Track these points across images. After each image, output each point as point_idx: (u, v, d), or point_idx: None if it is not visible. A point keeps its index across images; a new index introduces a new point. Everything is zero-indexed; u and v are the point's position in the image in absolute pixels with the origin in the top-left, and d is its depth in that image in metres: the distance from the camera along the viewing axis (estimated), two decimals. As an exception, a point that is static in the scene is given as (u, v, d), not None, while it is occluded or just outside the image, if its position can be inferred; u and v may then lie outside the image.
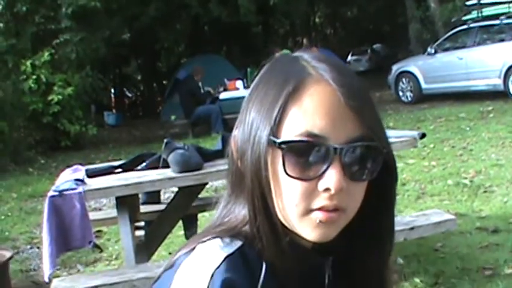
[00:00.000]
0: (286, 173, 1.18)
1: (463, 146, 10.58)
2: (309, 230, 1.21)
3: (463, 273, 4.99)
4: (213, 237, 1.25)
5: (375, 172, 1.22)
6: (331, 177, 1.16)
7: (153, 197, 5.75)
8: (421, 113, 15.86)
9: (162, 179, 4.24)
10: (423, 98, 18.14)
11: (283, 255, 1.23)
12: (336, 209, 1.20)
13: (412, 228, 4.45)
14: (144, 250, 5.03)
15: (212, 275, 1.16)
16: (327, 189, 1.17)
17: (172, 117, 18.21)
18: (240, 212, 1.29)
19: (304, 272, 1.29)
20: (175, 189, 5.30)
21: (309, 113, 1.17)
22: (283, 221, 1.24)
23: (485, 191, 7.49)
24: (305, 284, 1.29)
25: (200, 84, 16.82)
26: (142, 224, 5.66)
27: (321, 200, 1.19)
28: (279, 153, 1.18)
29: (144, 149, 7.22)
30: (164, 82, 30.49)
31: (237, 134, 1.28)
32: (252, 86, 1.30)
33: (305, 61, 1.25)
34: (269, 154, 1.20)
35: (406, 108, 17.60)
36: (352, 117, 1.18)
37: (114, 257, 6.65)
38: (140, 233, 5.55)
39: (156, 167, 4.51)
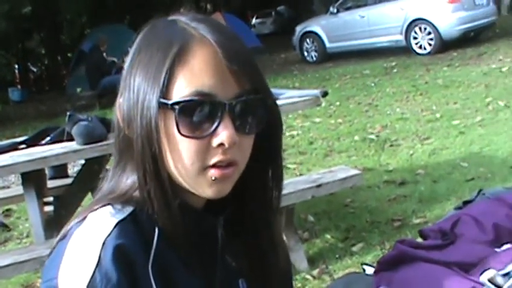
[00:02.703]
0: (181, 133, 1.20)
1: (369, 102, 10.75)
2: (205, 187, 1.25)
3: (372, 226, 5.09)
4: (104, 205, 1.25)
5: (262, 124, 1.27)
6: (224, 133, 1.20)
7: (60, 171, 5.68)
8: (326, 72, 16.03)
9: (67, 152, 4.17)
10: (328, 57, 18.33)
11: (174, 219, 1.24)
12: (230, 164, 1.23)
13: (319, 186, 4.48)
14: (54, 225, 4.95)
15: (104, 243, 1.17)
16: (220, 145, 1.20)
17: (78, 90, 17.92)
18: (129, 178, 1.29)
19: (197, 234, 1.31)
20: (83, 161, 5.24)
21: (197, 73, 1.20)
22: (181, 182, 1.26)
23: (391, 145, 7.63)
24: (199, 246, 1.31)
25: (105, 54, 16.58)
26: (51, 199, 5.59)
27: (216, 156, 1.22)
28: (172, 114, 1.20)
29: (52, 124, 7.09)
30: (69, 55, 29.85)
31: (122, 101, 1.28)
32: (132, 52, 1.30)
33: (184, 23, 1.26)
34: (161, 117, 1.21)
35: (312, 68, 17.75)
36: (236, 74, 1.20)
37: (25, 235, 6.51)
38: (50, 208, 5.48)
39: (61, 141, 4.44)
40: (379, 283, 1.92)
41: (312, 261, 4.60)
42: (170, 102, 1.19)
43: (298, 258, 4.46)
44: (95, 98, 16.33)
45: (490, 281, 1.76)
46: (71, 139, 4.34)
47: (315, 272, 4.43)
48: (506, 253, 1.96)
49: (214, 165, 1.22)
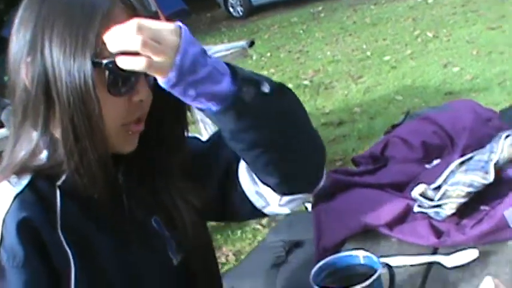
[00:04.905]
0: (110, 92, 1.23)
1: (299, 49, 10.76)
2: (125, 142, 1.30)
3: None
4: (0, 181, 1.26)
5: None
6: (143, 89, 1.26)
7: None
8: (253, 25, 15.96)
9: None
10: (254, 10, 18.15)
11: (97, 172, 1.25)
12: (141, 119, 1.30)
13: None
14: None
15: (4, 220, 1.19)
16: (140, 101, 1.27)
17: (6, 78, 17.65)
18: (24, 148, 1.29)
19: (101, 185, 1.30)
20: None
21: None
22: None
23: (326, 88, 7.66)
24: (103, 197, 1.30)
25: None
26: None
27: (136, 112, 1.28)
28: (101, 73, 1.21)
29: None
30: (-9, 43, 29.39)
31: (31, 62, 1.25)
32: (37, 13, 1.26)
33: None
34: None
35: (239, 23, 17.64)
36: None
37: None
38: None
39: (-8, 129, 4.38)
40: (317, 215, 1.93)
41: (261, 211, 4.61)
42: (105, 61, 1.20)
43: (246, 210, 4.47)
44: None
45: (421, 195, 1.78)
46: (1, 126, 4.28)
47: (264, 221, 4.44)
48: (436, 168, 1.99)
49: (132, 121, 1.28)
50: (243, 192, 1.47)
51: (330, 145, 5.61)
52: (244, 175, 1.46)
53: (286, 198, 1.45)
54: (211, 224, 4.38)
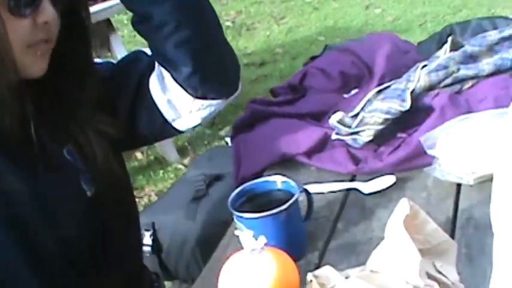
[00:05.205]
0: (11, 12, 1.19)
1: (222, -10, 10.67)
2: (33, 64, 1.26)
3: (237, 108, 5.06)
4: None
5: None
6: (48, 10, 1.23)
7: None
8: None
9: None
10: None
11: (1, 103, 1.23)
12: (49, 40, 1.28)
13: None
14: None
15: None
16: (45, 23, 1.23)
17: None
18: None
19: (16, 113, 1.27)
20: None
21: None
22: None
23: (248, 29, 7.61)
24: (13, 128, 1.27)
25: None
26: None
27: (41, 34, 1.24)
28: None
29: None
30: None
31: None
32: None
33: None
34: None
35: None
36: None
37: None
38: None
39: None
40: (237, 146, 1.93)
41: (182, 151, 4.60)
42: None
43: (168, 150, 4.45)
44: None
45: (339, 122, 1.79)
46: None
47: (186, 161, 4.44)
48: (353, 97, 2.00)
49: (39, 41, 1.25)
50: (153, 103, 1.48)
51: (252, 85, 5.61)
52: (155, 84, 1.46)
53: (199, 102, 1.46)
54: (132, 164, 4.39)
